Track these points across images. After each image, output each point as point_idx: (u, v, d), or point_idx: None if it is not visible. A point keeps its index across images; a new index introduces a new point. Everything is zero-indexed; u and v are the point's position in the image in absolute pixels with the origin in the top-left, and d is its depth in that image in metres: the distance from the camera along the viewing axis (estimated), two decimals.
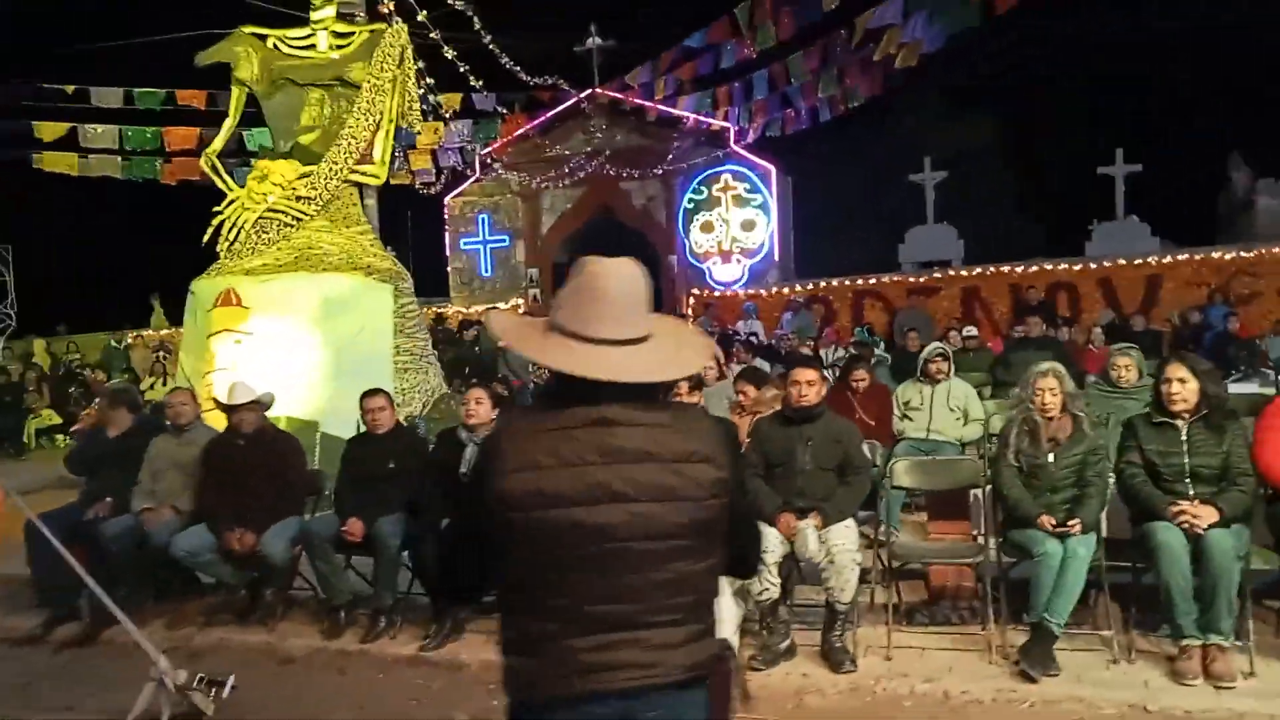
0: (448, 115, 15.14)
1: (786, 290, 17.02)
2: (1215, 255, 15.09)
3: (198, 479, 5.35)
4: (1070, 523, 4.16)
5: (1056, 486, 4.36)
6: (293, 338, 8.99)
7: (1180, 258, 15.35)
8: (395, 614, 5.09)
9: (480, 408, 5.02)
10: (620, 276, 1.77)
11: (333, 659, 4.92)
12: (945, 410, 6.63)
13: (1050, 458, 4.38)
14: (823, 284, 17.15)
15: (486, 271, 19.75)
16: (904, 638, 4.47)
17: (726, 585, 4.34)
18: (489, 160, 18.70)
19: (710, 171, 17.94)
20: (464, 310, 17.79)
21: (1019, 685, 3.98)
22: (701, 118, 17.37)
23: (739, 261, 17.92)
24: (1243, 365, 10.68)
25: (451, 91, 15.53)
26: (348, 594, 5.14)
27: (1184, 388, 4.23)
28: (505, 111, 16.28)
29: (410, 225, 18.86)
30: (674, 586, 1.71)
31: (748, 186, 17.81)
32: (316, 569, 5.08)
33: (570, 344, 1.76)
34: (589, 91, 17.98)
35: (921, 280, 16.66)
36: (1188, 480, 4.17)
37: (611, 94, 17.87)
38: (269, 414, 5.67)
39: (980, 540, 4.64)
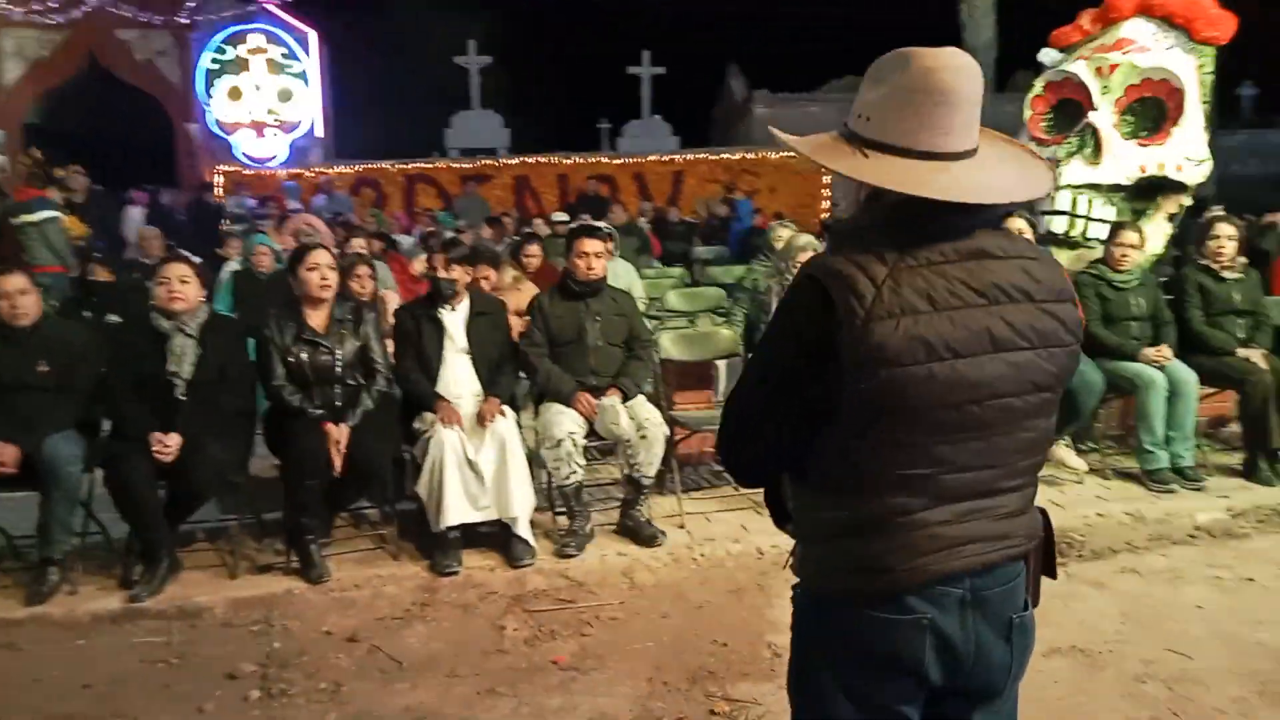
0: None
1: (334, 170, 15.78)
2: (726, 156, 17.23)
3: None
4: None
5: None
6: None
7: (700, 156, 17.25)
8: (69, 565, 3.85)
9: (188, 288, 3.90)
10: (966, 71, 1.43)
11: None
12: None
13: None
14: (372, 166, 16.23)
15: None
16: (683, 505, 4.53)
17: (520, 467, 4.02)
18: None
19: (237, 29, 15.67)
20: None
21: None
22: None
23: (276, 136, 16.08)
24: (763, 252, 12.52)
25: None
26: None
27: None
28: None
29: None
30: (1030, 446, 1.51)
31: (284, 51, 15.96)
32: None
33: (908, 162, 1.43)
34: None
35: (474, 166, 16.55)
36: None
37: None
38: None
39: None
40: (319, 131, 16.35)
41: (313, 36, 16.10)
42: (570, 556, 4.06)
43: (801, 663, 1.61)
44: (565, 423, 4.10)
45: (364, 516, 4.50)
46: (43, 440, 3.71)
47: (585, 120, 18.84)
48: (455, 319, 4.32)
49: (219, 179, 15.31)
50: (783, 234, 6.55)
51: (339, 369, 4.03)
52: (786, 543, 4.28)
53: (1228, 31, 5.46)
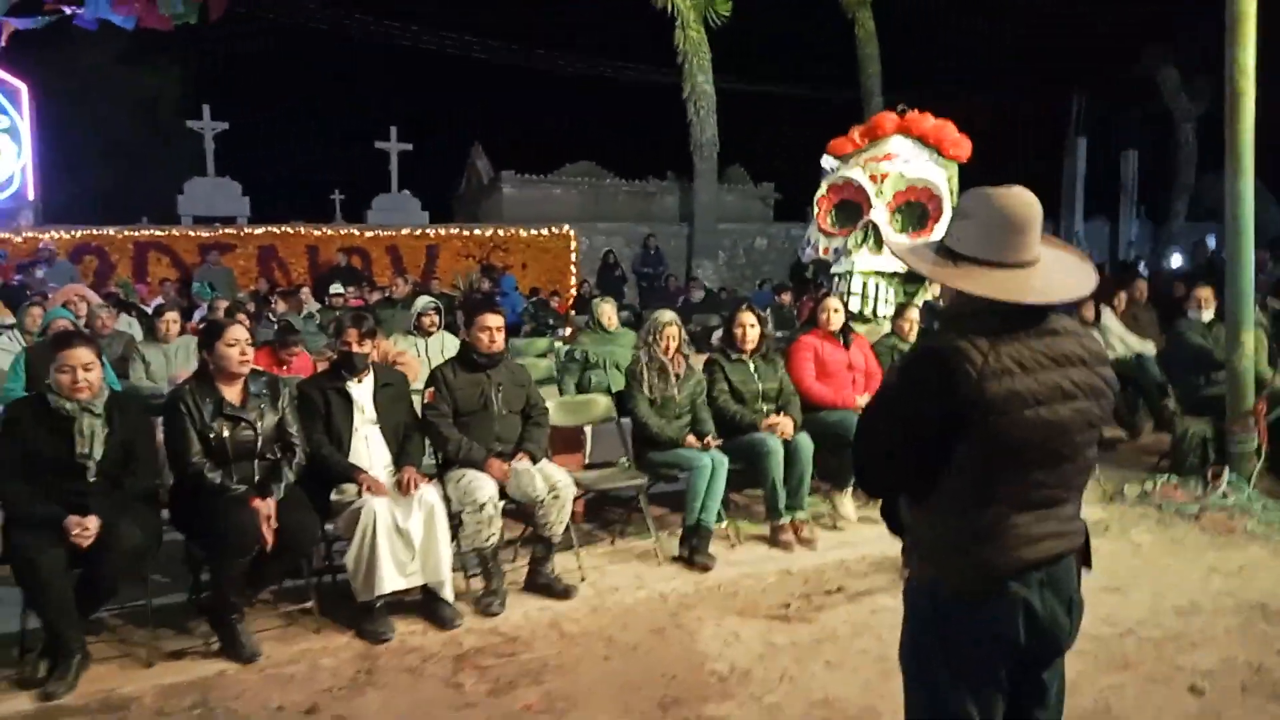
0: None
1: (47, 236, 14.35)
2: (479, 232, 17.67)
3: None
4: (708, 439, 5.12)
5: (679, 414, 5.27)
6: None
7: (453, 231, 17.55)
8: None
9: (91, 374, 3.74)
10: (1030, 204, 2.05)
11: None
12: (440, 359, 6.96)
13: (675, 391, 5.26)
14: (96, 232, 14.95)
15: None
16: (582, 560, 4.86)
17: (445, 533, 4.29)
18: None
19: None
20: None
21: (700, 576, 4.79)
22: None
23: None
24: (551, 322, 13.13)
25: None
26: None
27: (753, 331, 5.52)
28: None
29: None
30: (1084, 469, 2.09)
31: None
32: None
33: (994, 272, 2.03)
34: None
35: (216, 235, 15.72)
36: (760, 401, 5.48)
37: None
38: None
39: (624, 465, 5.30)
40: (30, 193, 14.80)
41: (24, 90, 14.66)
42: (495, 614, 4.27)
43: (916, 639, 2.11)
44: (486, 487, 4.34)
45: (273, 592, 4.41)
46: None
47: (330, 192, 18.48)
48: (363, 391, 4.44)
49: None
50: (605, 309, 7.09)
51: (260, 444, 4.02)
52: (682, 585, 4.76)
53: (966, 151, 6.84)
